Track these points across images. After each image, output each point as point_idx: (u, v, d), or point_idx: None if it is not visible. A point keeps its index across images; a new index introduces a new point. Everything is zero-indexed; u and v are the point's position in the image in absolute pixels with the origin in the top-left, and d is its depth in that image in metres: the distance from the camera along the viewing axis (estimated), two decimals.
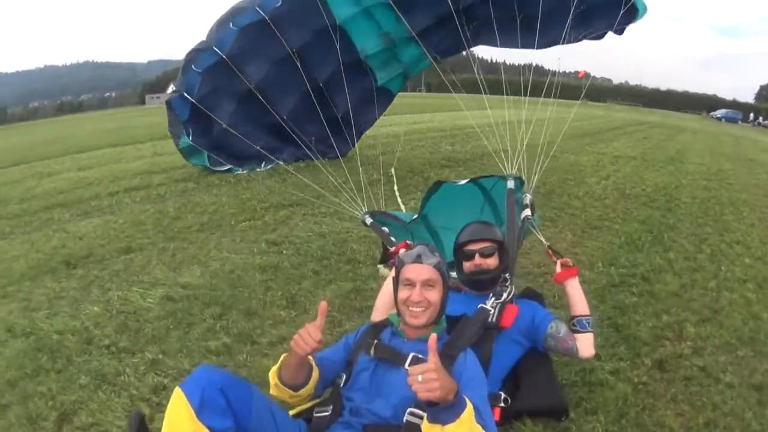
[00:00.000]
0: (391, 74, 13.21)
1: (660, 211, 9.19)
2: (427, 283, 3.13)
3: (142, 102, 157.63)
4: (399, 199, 9.23)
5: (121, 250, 7.94)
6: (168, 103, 12.79)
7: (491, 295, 3.92)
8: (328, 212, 9.56)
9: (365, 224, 5.48)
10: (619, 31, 10.64)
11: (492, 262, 3.96)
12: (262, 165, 13.54)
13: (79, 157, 20.47)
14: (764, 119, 76.38)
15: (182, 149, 13.13)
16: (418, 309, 3.12)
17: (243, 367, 4.64)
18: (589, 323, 3.82)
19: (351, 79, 10.97)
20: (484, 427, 2.67)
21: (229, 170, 13.34)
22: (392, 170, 10.95)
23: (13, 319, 5.81)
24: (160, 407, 4.10)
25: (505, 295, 3.90)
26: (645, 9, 9.90)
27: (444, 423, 2.48)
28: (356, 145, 12.91)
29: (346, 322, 5.45)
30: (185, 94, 12.11)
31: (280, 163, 11.44)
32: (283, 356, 3.15)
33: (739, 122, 75.63)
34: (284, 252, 7.52)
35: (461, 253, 4.05)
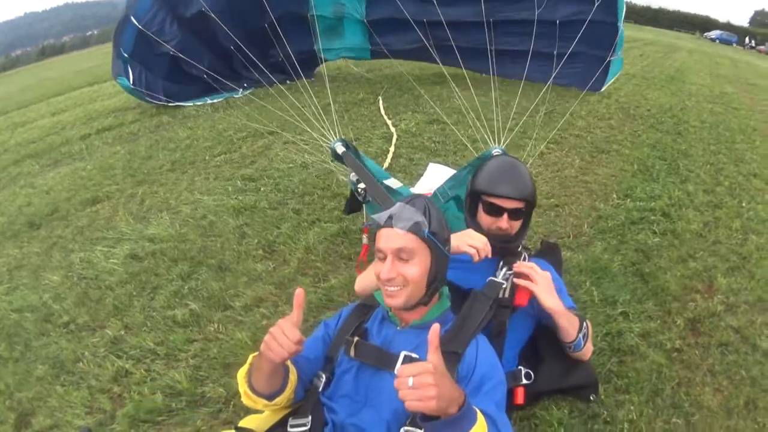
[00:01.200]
0: (331, 46, 12.39)
1: (670, 135, 8.49)
2: (400, 255, 2.29)
3: None
4: (388, 121, 8.44)
5: (86, 202, 7.21)
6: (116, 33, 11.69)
7: (501, 263, 3.06)
8: (311, 139, 8.74)
9: (335, 156, 4.57)
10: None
11: (517, 225, 3.10)
12: (208, 99, 12.53)
13: (55, 101, 19.56)
14: (757, 43, 74.37)
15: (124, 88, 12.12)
16: (392, 288, 2.31)
17: (214, 341, 3.94)
18: (584, 338, 2.91)
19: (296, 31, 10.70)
20: None
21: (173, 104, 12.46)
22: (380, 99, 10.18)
23: None
24: (121, 400, 3.50)
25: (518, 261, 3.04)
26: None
27: None
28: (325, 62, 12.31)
29: (331, 276, 4.68)
30: (132, 19, 11.00)
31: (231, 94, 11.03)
32: (251, 356, 2.36)
33: (734, 45, 73.69)
34: (262, 189, 6.73)
35: (484, 203, 3.10)
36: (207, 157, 8.42)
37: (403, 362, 2.22)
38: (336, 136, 4.73)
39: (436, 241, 2.34)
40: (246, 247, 5.25)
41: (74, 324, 4.40)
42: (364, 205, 4.50)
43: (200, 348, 3.88)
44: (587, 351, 2.94)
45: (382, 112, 7.28)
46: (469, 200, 3.22)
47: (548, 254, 3.66)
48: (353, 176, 4.33)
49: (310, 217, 5.85)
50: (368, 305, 2.65)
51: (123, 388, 3.59)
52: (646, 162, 7.08)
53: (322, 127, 5.14)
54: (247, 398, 2.35)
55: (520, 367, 2.97)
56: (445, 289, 2.57)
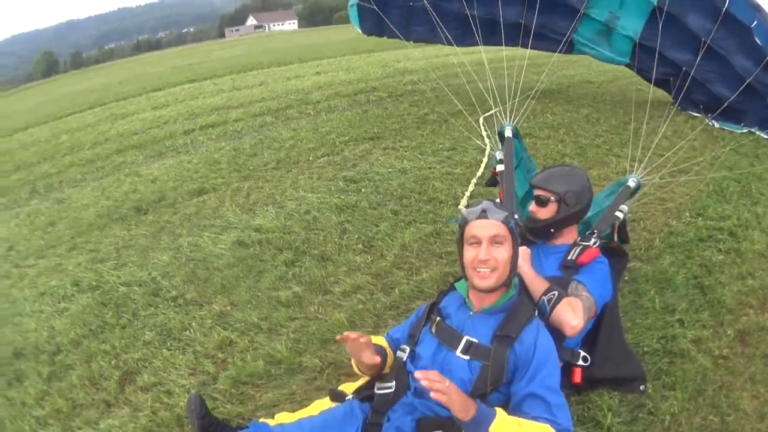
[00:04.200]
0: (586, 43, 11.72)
1: (748, 158, 8.44)
2: (495, 240, 2.89)
3: (222, 35, 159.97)
4: (483, 133, 8.83)
5: (193, 192, 7.94)
6: None
7: (574, 246, 3.78)
8: (410, 146, 9.27)
9: (500, 136, 5.21)
10: None
11: (544, 212, 3.82)
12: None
13: (155, 95, 20.90)
14: None
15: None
16: (485, 269, 2.87)
17: (314, 320, 4.50)
18: (549, 303, 3.34)
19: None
20: (553, 422, 2.59)
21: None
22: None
23: (80, 273, 5.90)
24: (225, 364, 4.08)
25: (591, 242, 3.73)
26: None
27: None
28: None
29: (424, 270, 5.19)
30: None
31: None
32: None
33: None
34: (362, 190, 7.26)
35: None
36: (311, 158, 9.03)
37: (464, 348, 2.85)
38: (512, 122, 5.32)
39: (515, 229, 2.98)
40: (347, 241, 5.79)
41: (182, 299, 5.02)
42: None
43: (300, 325, 4.42)
44: (562, 322, 3.24)
45: (482, 122, 7.62)
46: None
47: (613, 254, 4.13)
48: (498, 155, 5.00)
49: (407, 218, 6.33)
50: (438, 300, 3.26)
51: (227, 355, 4.16)
52: (721, 183, 7.24)
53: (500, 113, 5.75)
54: (357, 371, 3.15)
55: (579, 350, 3.45)
56: (516, 279, 3.14)
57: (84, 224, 7.37)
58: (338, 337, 2.78)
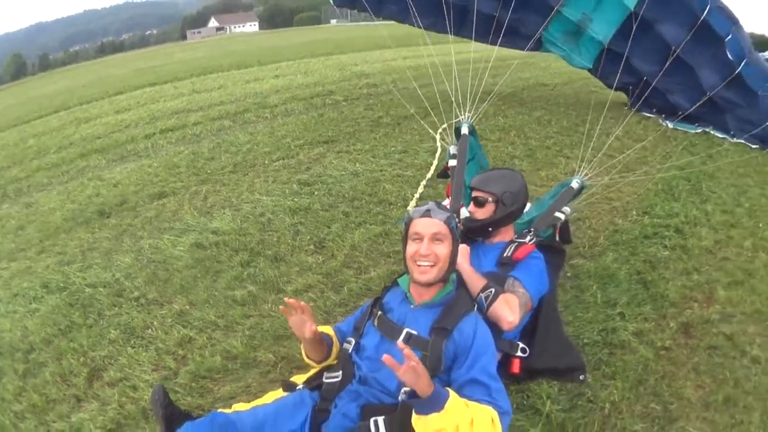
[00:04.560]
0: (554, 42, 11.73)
1: (700, 158, 8.81)
2: (435, 237, 3.12)
3: (184, 37, 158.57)
4: (436, 136, 9.10)
5: (154, 196, 8.15)
6: None
7: (510, 243, 4.01)
8: (363, 149, 9.62)
9: (456, 131, 5.52)
10: None
11: (482, 213, 4.06)
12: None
13: (117, 99, 20.85)
14: None
15: None
16: (426, 263, 3.10)
17: (267, 317, 4.79)
18: (486, 299, 3.55)
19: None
20: (494, 404, 2.74)
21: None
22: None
23: (48, 275, 6.08)
24: (185, 360, 4.33)
25: (526, 239, 3.99)
26: None
27: (425, 414, 2.62)
28: None
29: (372, 269, 5.50)
30: None
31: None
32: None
33: None
34: (315, 193, 7.56)
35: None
36: (266, 162, 9.33)
37: (404, 338, 3.03)
38: (469, 118, 5.64)
39: (455, 230, 3.21)
40: (299, 242, 6.09)
41: (144, 299, 5.27)
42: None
43: (255, 322, 4.72)
44: (499, 317, 3.47)
45: (440, 130, 7.93)
46: None
47: (549, 251, 4.38)
48: (452, 150, 5.34)
49: (358, 219, 6.64)
50: (381, 296, 3.46)
51: (186, 351, 4.43)
52: (670, 182, 7.57)
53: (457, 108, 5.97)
54: (307, 362, 3.38)
55: (518, 341, 3.72)
56: (454, 276, 3.36)
57: (51, 228, 7.54)
58: (285, 298, 3.01)
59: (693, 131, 10.48)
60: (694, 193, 7.18)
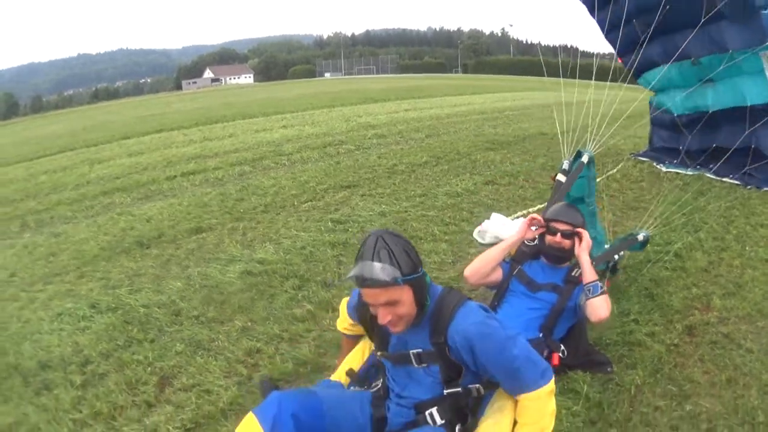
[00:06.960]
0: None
1: (693, 194, 9.29)
2: (388, 303, 2.70)
3: (179, 87, 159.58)
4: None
5: (191, 231, 8.51)
6: None
7: (575, 266, 4.65)
8: (385, 193, 10.17)
9: (575, 158, 5.99)
10: None
11: (568, 243, 4.59)
12: None
13: (126, 143, 21.22)
14: None
15: None
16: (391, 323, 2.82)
17: (327, 330, 5.18)
18: (601, 289, 4.28)
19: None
20: (537, 384, 2.81)
21: None
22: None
23: (95, 296, 6.30)
24: (256, 367, 4.66)
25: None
26: None
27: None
28: None
29: None
30: None
31: None
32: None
33: None
34: (349, 230, 8.01)
35: (547, 227, 4.67)
36: (295, 203, 9.81)
37: (415, 360, 2.93)
38: (592, 150, 6.13)
39: (411, 278, 2.72)
40: (344, 270, 6.52)
41: (204, 317, 5.58)
42: None
43: (318, 335, 5.13)
44: (599, 307, 4.18)
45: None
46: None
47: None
48: (566, 164, 6.00)
49: None
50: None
51: (257, 360, 4.77)
52: (668, 217, 7.87)
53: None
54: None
55: (560, 343, 4.42)
56: (428, 303, 2.92)
57: (88, 255, 7.78)
58: None
59: (689, 173, 11.06)
60: (687, 224, 7.86)
